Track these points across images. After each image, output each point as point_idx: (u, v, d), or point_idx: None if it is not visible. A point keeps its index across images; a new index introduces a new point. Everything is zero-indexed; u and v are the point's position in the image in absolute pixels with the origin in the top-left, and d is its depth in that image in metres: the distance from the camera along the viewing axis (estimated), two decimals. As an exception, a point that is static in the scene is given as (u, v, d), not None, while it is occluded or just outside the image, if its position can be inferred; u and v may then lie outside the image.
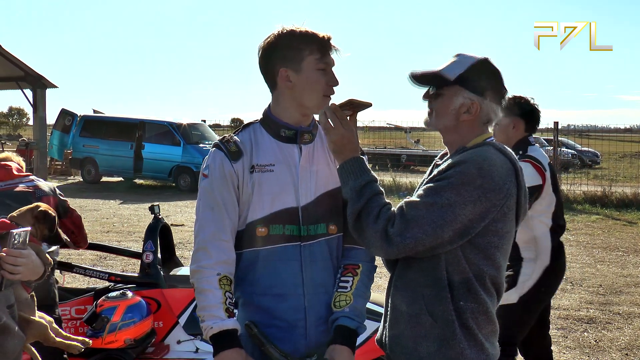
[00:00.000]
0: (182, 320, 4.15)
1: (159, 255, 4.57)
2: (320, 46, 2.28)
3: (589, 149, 31.24)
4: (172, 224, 12.26)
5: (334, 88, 2.34)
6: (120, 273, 4.77)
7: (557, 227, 4.20)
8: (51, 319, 2.90)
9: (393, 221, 2.10)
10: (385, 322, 2.34)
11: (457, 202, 2.06)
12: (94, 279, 5.05)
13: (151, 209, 4.58)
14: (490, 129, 2.32)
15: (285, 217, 2.31)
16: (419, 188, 2.29)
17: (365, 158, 2.32)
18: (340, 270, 2.41)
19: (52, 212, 2.95)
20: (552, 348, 4.64)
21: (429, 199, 2.09)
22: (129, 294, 4.06)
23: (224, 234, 2.29)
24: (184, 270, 4.61)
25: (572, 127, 29.12)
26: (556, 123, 17.63)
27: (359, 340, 2.43)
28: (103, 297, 4.08)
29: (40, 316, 2.83)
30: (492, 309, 2.21)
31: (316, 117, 2.43)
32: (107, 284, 4.57)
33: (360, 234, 2.18)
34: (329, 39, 2.30)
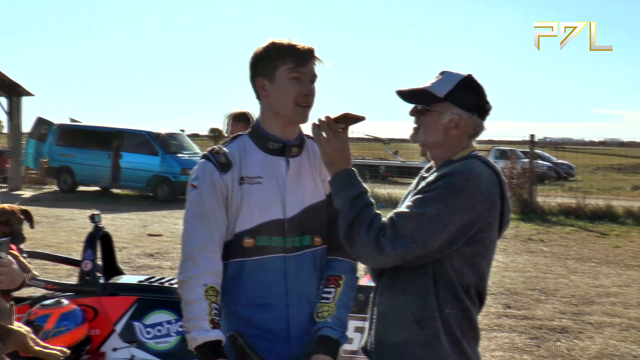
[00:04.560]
0: (119, 328, 4.18)
1: (100, 264, 4.60)
2: (294, 56, 2.33)
3: (564, 162, 31.68)
4: (149, 234, 12.39)
5: (313, 99, 2.38)
6: (58, 281, 4.79)
7: None
8: (29, 329, 2.91)
9: (384, 231, 2.16)
10: (370, 329, 2.40)
11: (446, 212, 2.13)
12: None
13: (91, 217, 4.61)
14: (474, 143, 2.39)
15: (272, 228, 2.36)
16: (404, 200, 2.37)
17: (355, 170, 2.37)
18: (323, 282, 2.46)
19: (7, 208, 2.97)
20: (525, 357, 4.71)
21: (418, 210, 2.16)
22: (65, 301, 4.08)
23: (211, 245, 2.32)
24: (124, 279, 4.64)
25: (548, 139, 29.49)
26: (532, 135, 17.88)
27: None
28: (37, 305, 4.10)
29: (18, 325, 2.84)
30: (475, 317, 2.29)
31: (304, 129, 2.49)
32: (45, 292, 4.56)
33: (351, 243, 2.23)
34: (307, 49, 2.35)
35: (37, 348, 2.90)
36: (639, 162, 41.89)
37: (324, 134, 2.30)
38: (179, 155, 19.95)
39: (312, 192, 2.45)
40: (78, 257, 5.96)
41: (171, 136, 20.85)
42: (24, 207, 3.29)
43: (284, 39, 2.38)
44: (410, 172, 26.42)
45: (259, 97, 2.43)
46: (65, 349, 3.10)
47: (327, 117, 2.31)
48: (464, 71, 2.36)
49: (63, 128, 21.51)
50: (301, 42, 2.36)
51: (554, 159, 31.18)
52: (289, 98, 2.34)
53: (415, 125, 2.38)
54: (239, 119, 6.49)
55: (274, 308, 2.37)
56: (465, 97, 2.30)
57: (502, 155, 23.76)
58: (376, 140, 29.51)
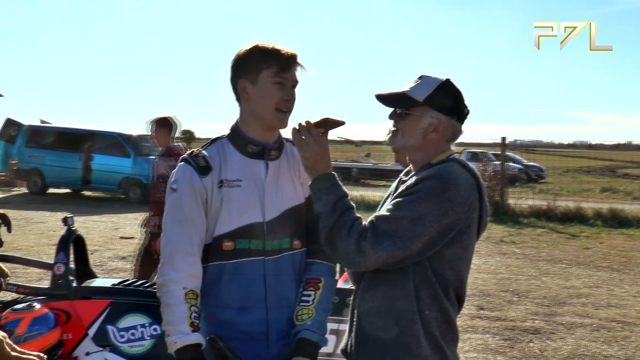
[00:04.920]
0: (92, 331, 4.13)
1: (73, 267, 4.55)
2: (278, 61, 2.34)
3: (535, 164, 32.05)
4: (121, 237, 12.26)
5: (294, 104, 2.39)
6: (30, 285, 4.72)
7: None
8: (5, 334, 2.86)
9: (365, 234, 2.16)
10: (350, 331, 2.40)
11: (426, 215, 2.14)
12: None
13: (64, 220, 4.56)
14: (453, 147, 2.41)
15: (251, 231, 2.36)
16: (383, 203, 2.39)
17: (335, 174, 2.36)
18: (302, 284, 2.47)
19: None
20: (499, 358, 4.75)
21: (399, 213, 2.17)
22: (37, 305, 4.02)
23: (191, 248, 2.32)
24: (98, 282, 4.60)
25: (519, 142, 29.81)
26: (504, 138, 17.98)
27: None
28: (8, 309, 4.03)
29: None
30: (454, 318, 2.31)
31: (283, 133, 2.49)
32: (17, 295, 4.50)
33: (332, 247, 2.23)
34: (291, 55, 2.36)
35: (14, 354, 2.84)
36: (607, 165, 42.63)
37: (304, 138, 2.29)
38: (151, 157, 19.76)
39: (291, 195, 2.45)
40: (49, 260, 5.89)
41: (143, 138, 20.68)
42: (1, 211, 3.24)
43: (267, 42, 2.38)
44: (383, 174, 26.60)
45: (239, 99, 2.42)
46: (42, 354, 3.04)
47: (307, 122, 2.31)
48: (442, 75, 2.38)
49: (33, 129, 21.23)
50: (285, 47, 2.37)
51: (525, 162, 31.54)
52: (270, 102, 2.35)
53: (393, 129, 2.39)
54: (161, 124, 6.63)
55: (253, 311, 2.37)
56: (443, 101, 2.32)
57: (474, 157, 23.97)
58: (348, 142, 29.55)
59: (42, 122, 22.49)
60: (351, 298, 2.78)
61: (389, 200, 2.36)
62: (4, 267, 2.68)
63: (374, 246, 2.14)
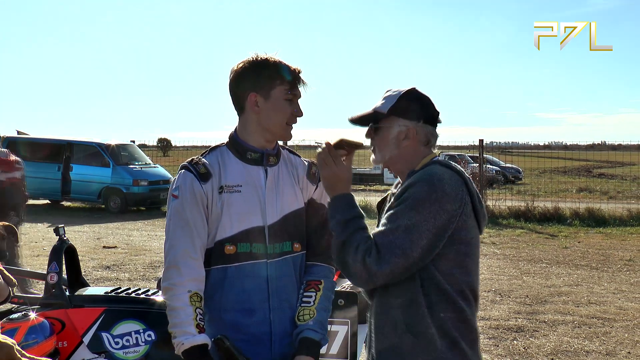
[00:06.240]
0: (86, 339, 4.16)
1: (65, 276, 4.58)
2: (291, 77, 2.42)
3: (512, 165, 32.31)
4: (104, 247, 12.23)
5: (298, 119, 2.48)
6: (24, 295, 4.74)
7: None
8: (14, 340, 2.89)
9: (370, 252, 2.20)
10: (370, 347, 2.42)
11: (419, 221, 2.19)
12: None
13: (56, 230, 4.59)
14: (435, 150, 2.46)
15: (253, 235, 2.43)
16: (379, 218, 2.42)
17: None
18: (303, 286, 2.55)
19: None
20: (484, 357, 4.85)
21: (393, 224, 2.21)
22: (32, 315, 4.06)
23: (194, 253, 2.39)
24: (90, 290, 4.64)
25: (495, 144, 30.03)
26: (481, 140, 18.13)
27: None
28: (4, 319, 4.06)
29: (3, 338, 2.82)
30: (470, 317, 2.32)
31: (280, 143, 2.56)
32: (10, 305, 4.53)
33: (343, 265, 2.27)
34: (299, 72, 2.45)
35: (23, 359, 2.88)
36: (583, 165, 43.13)
37: (324, 159, 2.34)
38: (131, 166, 19.75)
39: (290, 200, 2.52)
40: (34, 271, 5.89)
41: (122, 147, 20.64)
42: (6, 223, 3.28)
43: (272, 55, 2.45)
44: (362, 178, 26.67)
45: (243, 109, 2.47)
46: None
47: (327, 143, 2.36)
48: (407, 86, 2.43)
49: (10, 141, 20.97)
50: (291, 63, 2.44)
51: (502, 163, 31.80)
52: (282, 118, 2.44)
53: (371, 148, 2.45)
54: None
55: (256, 312, 2.44)
56: (408, 107, 2.37)
57: (452, 160, 24.12)
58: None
59: (19, 133, 22.29)
60: (341, 300, 2.81)
61: (383, 214, 2.40)
62: (12, 277, 2.73)
63: (377, 262, 2.17)
